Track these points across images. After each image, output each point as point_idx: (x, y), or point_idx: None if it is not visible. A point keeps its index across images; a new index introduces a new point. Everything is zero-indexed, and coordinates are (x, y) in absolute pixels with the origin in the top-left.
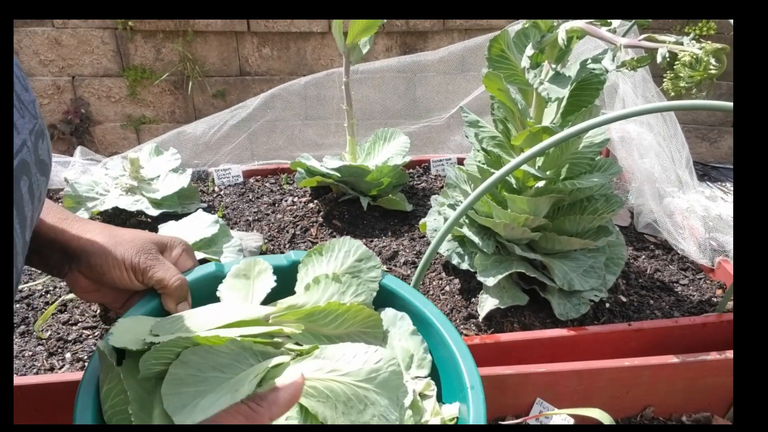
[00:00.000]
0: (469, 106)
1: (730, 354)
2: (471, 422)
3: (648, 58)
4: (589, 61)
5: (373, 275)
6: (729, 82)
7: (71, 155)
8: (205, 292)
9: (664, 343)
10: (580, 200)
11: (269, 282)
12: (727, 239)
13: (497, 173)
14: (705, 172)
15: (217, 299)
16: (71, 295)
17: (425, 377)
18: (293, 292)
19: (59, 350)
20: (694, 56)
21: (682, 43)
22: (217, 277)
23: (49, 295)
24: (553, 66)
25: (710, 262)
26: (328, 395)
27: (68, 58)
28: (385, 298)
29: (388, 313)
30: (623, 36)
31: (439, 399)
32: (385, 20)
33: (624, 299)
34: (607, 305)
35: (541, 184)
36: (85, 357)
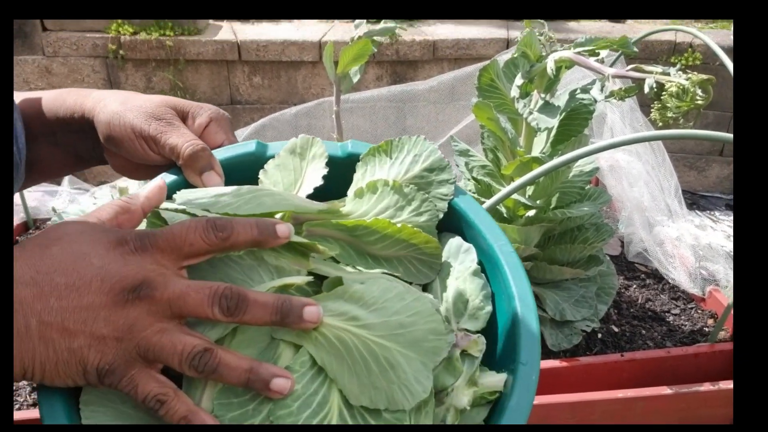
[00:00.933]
0: (458, 134)
1: (723, 385)
2: (510, 410)
3: (636, 88)
4: (578, 90)
5: (444, 191)
6: (716, 111)
7: (59, 184)
8: (240, 177)
9: (656, 373)
10: (571, 229)
11: (320, 171)
12: (718, 268)
13: (487, 202)
14: (694, 201)
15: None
16: None
17: (476, 332)
18: (343, 194)
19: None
20: (681, 87)
21: (668, 74)
22: (258, 159)
23: None
24: (543, 95)
25: (701, 292)
26: (339, 349)
27: (58, 86)
28: (451, 221)
29: (452, 243)
30: (611, 66)
31: (488, 363)
32: (376, 50)
33: (616, 329)
34: (599, 335)
35: (531, 213)
36: None
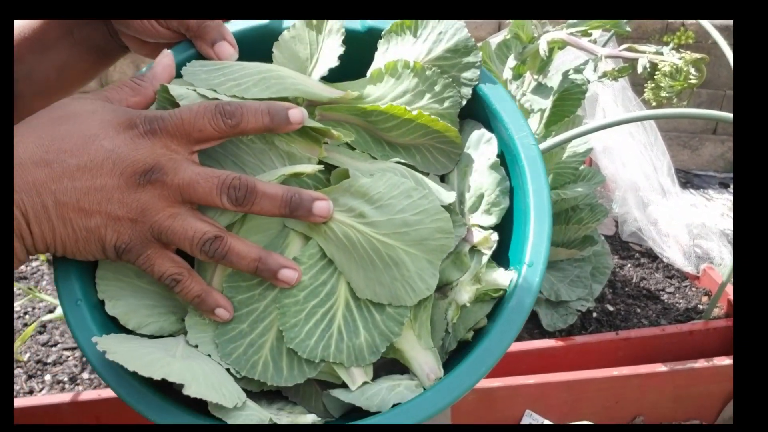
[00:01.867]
0: None
1: (717, 361)
2: (509, 311)
3: (628, 68)
4: (571, 71)
5: (468, 76)
6: (709, 90)
7: None
8: (253, 50)
9: (651, 351)
10: (565, 210)
11: (336, 50)
12: (712, 246)
13: None
14: (687, 180)
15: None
16: (50, 316)
17: (489, 228)
18: (362, 74)
19: (39, 372)
20: (674, 66)
21: (662, 53)
22: (273, 32)
23: (27, 316)
24: (535, 77)
25: (695, 270)
26: (346, 244)
27: None
28: (475, 108)
29: (474, 134)
30: (603, 46)
31: (500, 259)
32: None
33: (611, 308)
34: (594, 315)
35: None
36: (66, 379)
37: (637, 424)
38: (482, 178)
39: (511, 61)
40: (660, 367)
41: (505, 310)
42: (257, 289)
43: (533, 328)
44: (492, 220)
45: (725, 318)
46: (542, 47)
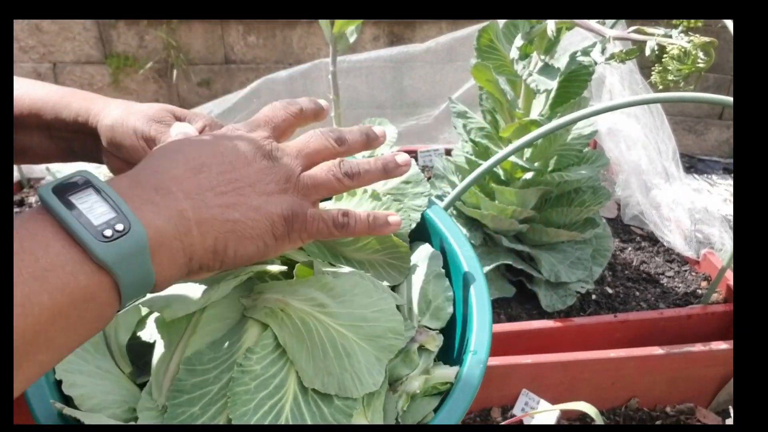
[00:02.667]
0: (458, 98)
1: (714, 345)
2: (453, 400)
3: (636, 50)
4: (578, 53)
5: (418, 203)
6: (716, 74)
7: None
8: None
9: (649, 334)
10: (568, 192)
11: None
12: (713, 231)
13: (485, 164)
14: (691, 165)
15: None
16: None
17: (435, 330)
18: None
19: None
20: (683, 49)
21: (670, 36)
22: None
23: None
24: (542, 57)
25: (696, 254)
26: (301, 331)
27: (49, 44)
28: (424, 230)
29: (422, 250)
30: (612, 28)
31: (446, 359)
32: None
33: (610, 291)
34: (594, 297)
35: (529, 175)
36: None
37: (631, 405)
38: (429, 287)
39: (518, 41)
40: (657, 350)
41: (455, 390)
42: (212, 372)
43: (532, 308)
44: (439, 323)
45: (724, 303)
46: (550, 28)
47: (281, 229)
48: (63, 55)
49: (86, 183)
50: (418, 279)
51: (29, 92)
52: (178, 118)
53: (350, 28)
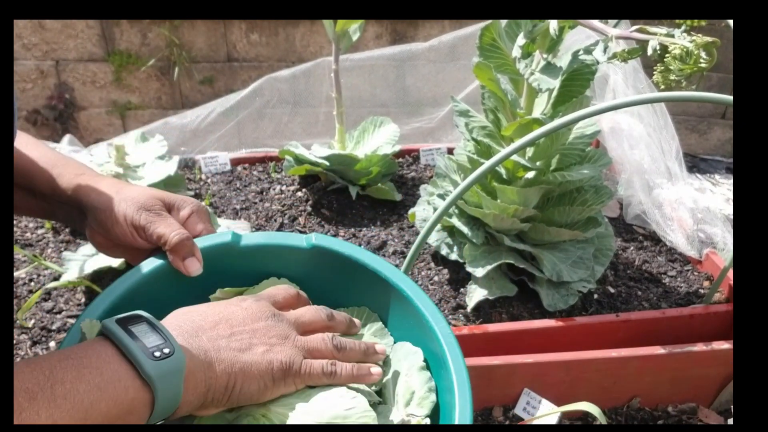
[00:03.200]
0: (461, 98)
1: (716, 345)
2: None
3: (639, 49)
4: (581, 51)
5: (387, 341)
6: (719, 73)
7: (55, 141)
8: (218, 265)
9: (651, 334)
10: (570, 191)
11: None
12: (716, 231)
13: (487, 163)
14: (694, 164)
15: (231, 273)
16: (55, 284)
17: (422, 416)
18: (306, 281)
19: (43, 339)
20: (685, 49)
21: (673, 36)
22: (232, 250)
23: (32, 283)
24: (545, 56)
25: (698, 254)
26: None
27: (52, 42)
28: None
29: (403, 347)
30: (614, 27)
31: None
32: None
33: (612, 290)
34: (596, 296)
35: (531, 174)
36: None
37: (633, 405)
38: (412, 380)
39: (521, 40)
40: (659, 350)
41: None
42: None
43: (534, 308)
44: (424, 411)
45: (726, 303)
46: (553, 26)
47: (279, 374)
48: (66, 53)
49: (142, 318)
50: (402, 373)
51: (22, 154)
52: (168, 205)
53: (353, 27)
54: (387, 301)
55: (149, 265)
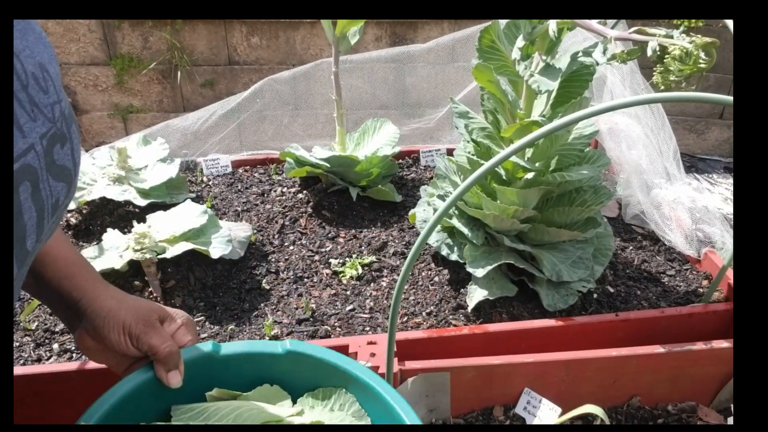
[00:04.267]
0: (460, 99)
1: (715, 344)
2: None
3: (638, 50)
4: (580, 53)
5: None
6: (717, 74)
7: None
8: (203, 372)
9: (650, 333)
10: (569, 192)
11: None
12: (714, 230)
13: (487, 164)
14: (692, 164)
15: (217, 378)
16: None
17: None
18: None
19: (46, 341)
20: (684, 50)
21: (672, 37)
22: (213, 359)
23: None
24: (544, 58)
25: (696, 253)
26: None
27: (54, 45)
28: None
29: None
30: (612, 28)
31: None
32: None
33: (611, 290)
34: (595, 296)
35: (530, 175)
36: (73, 348)
37: (632, 404)
38: None
39: (520, 41)
40: (658, 349)
41: None
42: None
43: (534, 307)
44: None
45: (725, 302)
46: (552, 28)
47: None
48: (68, 56)
49: None
50: None
51: (48, 243)
52: (162, 317)
53: (353, 29)
54: (357, 392)
55: (140, 376)
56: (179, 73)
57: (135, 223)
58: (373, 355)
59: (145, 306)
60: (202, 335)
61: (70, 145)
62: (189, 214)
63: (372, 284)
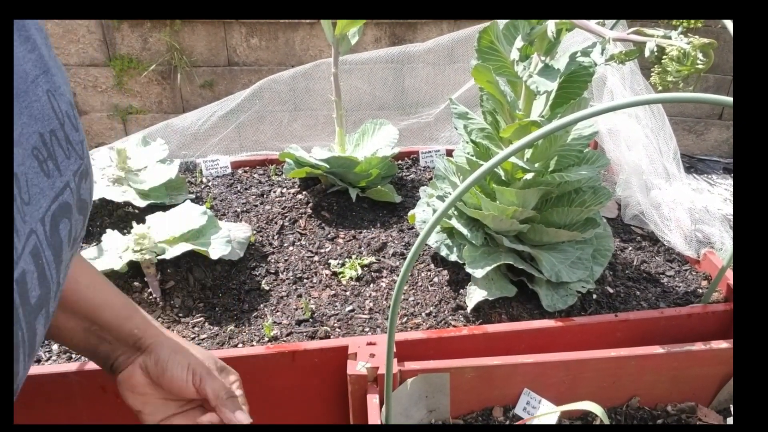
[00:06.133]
0: (458, 98)
1: (714, 344)
2: None
3: (636, 51)
4: (579, 54)
5: None
6: (716, 75)
7: None
8: None
9: (650, 333)
10: (568, 192)
11: None
12: (713, 231)
13: (486, 165)
14: (691, 164)
15: None
16: None
17: None
18: None
19: (46, 342)
20: (682, 51)
21: (670, 38)
22: None
23: None
24: (543, 58)
25: (696, 254)
26: None
27: (54, 46)
28: None
29: None
30: (611, 29)
31: None
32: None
33: (611, 290)
34: (594, 296)
35: (529, 176)
36: None
37: (632, 404)
38: None
39: (519, 42)
40: (657, 349)
41: None
42: None
43: (533, 308)
44: None
45: (724, 302)
46: (550, 29)
47: None
48: (67, 58)
49: None
50: None
51: (96, 288)
52: (219, 369)
53: (352, 30)
54: None
55: None
56: (179, 74)
57: (134, 224)
58: (372, 355)
59: (209, 354)
60: (202, 336)
61: (89, 180)
62: (188, 215)
63: (371, 285)
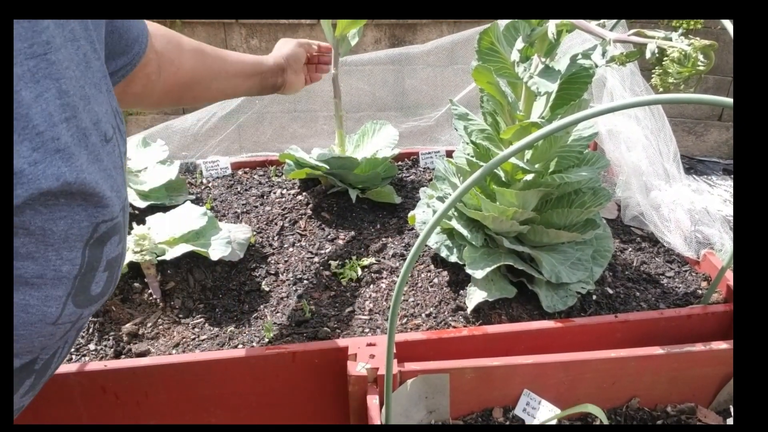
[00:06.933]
0: (459, 101)
1: (714, 345)
2: None
3: (637, 53)
4: (579, 55)
5: None
6: (716, 76)
7: None
8: None
9: (649, 334)
10: (568, 193)
11: None
12: (713, 232)
13: (486, 166)
14: (691, 166)
15: None
16: None
17: None
18: None
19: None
20: (683, 52)
21: (671, 39)
22: None
23: None
24: (543, 60)
25: (696, 255)
26: None
27: None
28: None
29: None
30: (611, 30)
31: None
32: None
33: (611, 291)
34: (594, 297)
35: (529, 177)
36: (72, 350)
37: (632, 405)
38: None
39: (519, 43)
40: (657, 350)
41: None
42: None
43: (533, 309)
44: None
45: (724, 303)
46: (551, 30)
47: None
48: None
49: None
50: None
51: (238, 58)
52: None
53: (352, 31)
54: None
55: None
56: None
57: (134, 224)
58: (372, 356)
59: (295, 41)
60: (202, 337)
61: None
62: (188, 216)
63: (371, 286)
